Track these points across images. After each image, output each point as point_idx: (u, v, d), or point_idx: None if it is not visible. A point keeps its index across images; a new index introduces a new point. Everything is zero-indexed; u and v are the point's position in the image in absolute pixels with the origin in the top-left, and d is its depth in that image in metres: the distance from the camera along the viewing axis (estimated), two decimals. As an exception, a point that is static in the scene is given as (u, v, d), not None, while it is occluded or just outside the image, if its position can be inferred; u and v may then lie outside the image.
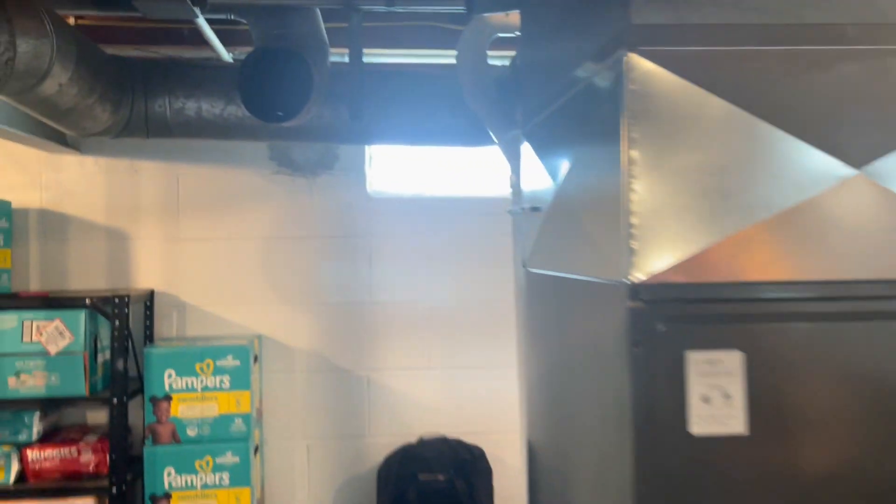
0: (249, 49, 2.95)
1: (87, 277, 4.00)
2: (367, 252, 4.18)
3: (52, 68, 2.14)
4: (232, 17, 2.84)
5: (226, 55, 3.20)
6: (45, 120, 2.55)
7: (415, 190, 4.29)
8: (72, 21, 3.24)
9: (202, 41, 3.24)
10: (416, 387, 4.18)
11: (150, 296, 4.00)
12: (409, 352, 4.18)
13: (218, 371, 3.61)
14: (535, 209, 1.99)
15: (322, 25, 2.76)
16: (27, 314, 3.49)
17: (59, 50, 2.17)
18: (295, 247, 4.11)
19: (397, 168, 4.33)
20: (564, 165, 1.75)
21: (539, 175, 1.99)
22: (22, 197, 3.98)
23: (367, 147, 4.23)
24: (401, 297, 4.18)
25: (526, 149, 2.16)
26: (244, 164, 4.12)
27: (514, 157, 2.41)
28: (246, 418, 3.63)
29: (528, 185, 2.16)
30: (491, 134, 2.59)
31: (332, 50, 2.92)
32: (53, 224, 4.00)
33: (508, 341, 3.42)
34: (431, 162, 4.32)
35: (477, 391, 4.17)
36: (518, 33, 2.81)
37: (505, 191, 4.23)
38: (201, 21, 2.86)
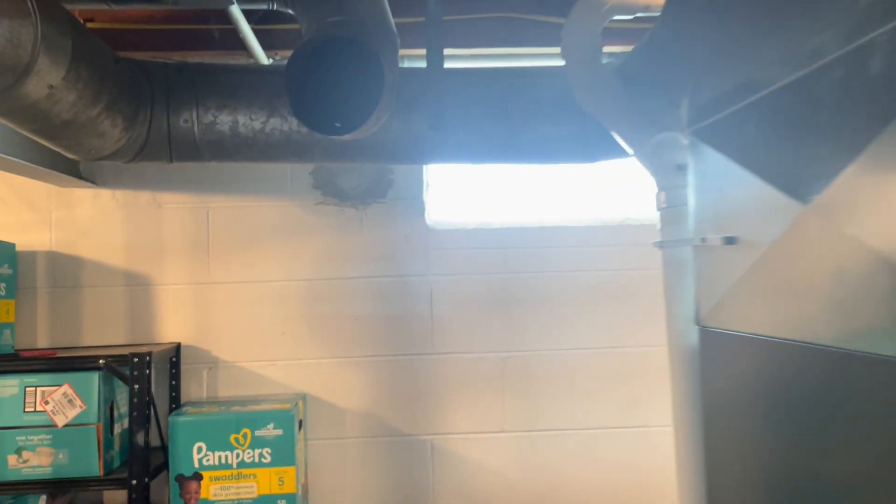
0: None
1: (103, 331, 3.38)
2: (427, 293, 3.52)
3: (35, 61, 1.53)
4: (274, 5, 2.23)
5: (264, 58, 2.59)
6: (37, 138, 1.94)
7: (483, 219, 3.64)
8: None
9: (236, 45, 2.64)
10: (489, 455, 3.48)
11: (177, 351, 3.37)
12: (481, 413, 3.50)
13: (257, 443, 2.95)
14: (728, 240, 1.33)
15: (388, 10, 2.14)
16: (30, 378, 2.86)
17: (47, 40, 1.56)
18: (343, 289, 3.47)
19: (461, 194, 3.68)
20: (814, 174, 1.09)
21: (738, 190, 1.33)
22: (28, 238, 3.38)
23: (424, 171, 3.60)
24: (468, 347, 3.50)
25: (704, 155, 1.50)
26: (283, 194, 3.51)
27: (665, 170, 1.76)
28: (291, 499, 2.96)
29: (705, 206, 1.50)
30: (621, 141, 1.94)
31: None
32: (65, 269, 3.39)
33: (599, 401, 2.71)
34: (502, 186, 3.67)
35: (565, 459, 3.46)
36: (641, 14, 2.18)
37: (596, 217, 3.60)
38: (235, 10, 2.26)
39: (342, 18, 2.05)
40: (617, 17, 2.21)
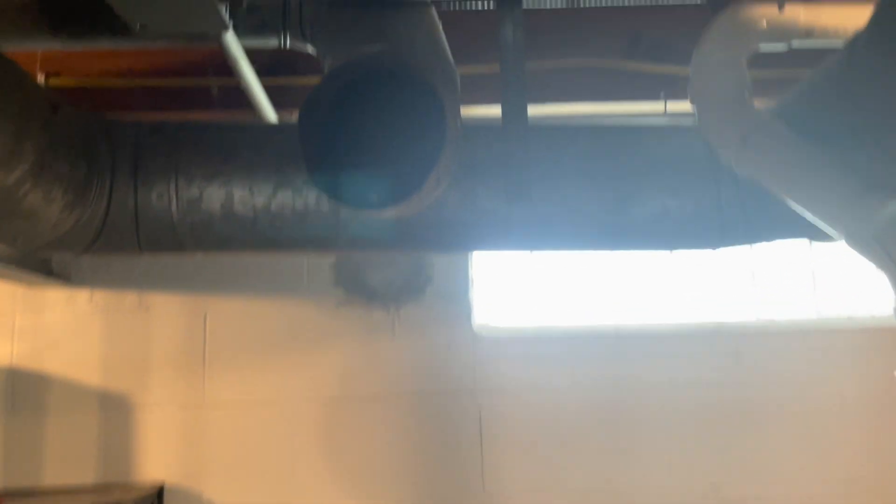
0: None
1: (69, 468, 2.63)
2: (476, 416, 2.77)
3: None
4: (286, 41, 1.60)
5: (271, 114, 1.95)
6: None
7: (543, 321, 2.92)
8: (41, 79, 2.04)
9: (239, 102, 2.01)
10: None
11: (159, 495, 2.60)
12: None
13: None
14: None
15: (444, 40, 1.50)
16: (-44, 543, 2.11)
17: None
18: (370, 410, 2.72)
19: (514, 289, 2.98)
20: None
21: None
22: (-19, 350, 2.70)
23: (469, 262, 2.91)
24: (529, 487, 2.71)
25: None
26: (298, 293, 2.82)
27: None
28: None
29: None
30: (814, 216, 1.24)
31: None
32: (26, 388, 2.69)
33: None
34: (563, 278, 2.97)
35: None
36: (796, 44, 1.53)
37: (684, 318, 2.85)
38: (237, 54, 1.63)
39: (384, 46, 1.40)
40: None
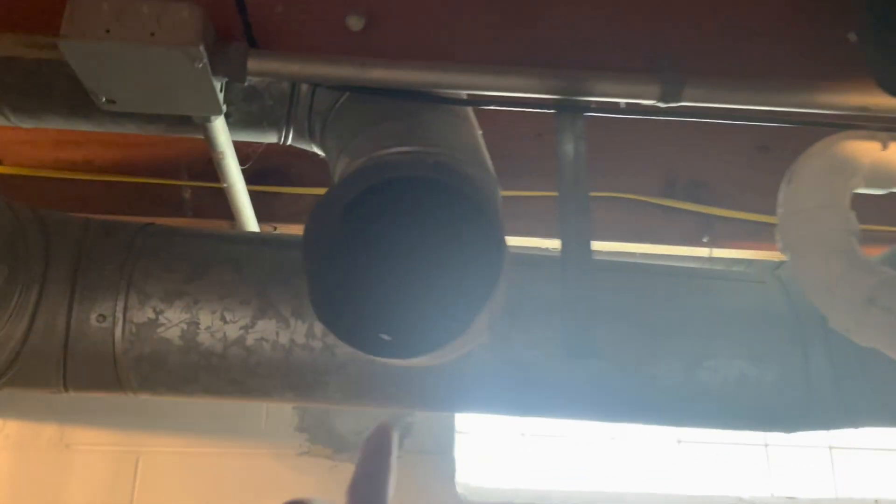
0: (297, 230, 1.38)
1: None
2: None
3: None
4: (288, 137, 1.30)
5: (255, 228, 1.61)
6: None
7: (537, 485, 2.51)
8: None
9: (216, 210, 1.68)
10: None
11: None
12: None
13: None
14: None
15: (484, 146, 1.21)
16: None
17: None
18: (327, 588, 2.20)
19: (505, 446, 2.58)
20: None
21: None
22: None
23: (454, 415, 2.52)
24: None
25: None
26: (253, 437, 2.37)
27: None
28: None
29: None
30: None
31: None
32: None
33: None
34: (559, 438, 2.59)
35: None
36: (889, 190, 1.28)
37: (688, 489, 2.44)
38: (218, 132, 1.31)
39: (415, 150, 1.09)
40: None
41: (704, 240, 1.79)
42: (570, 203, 1.15)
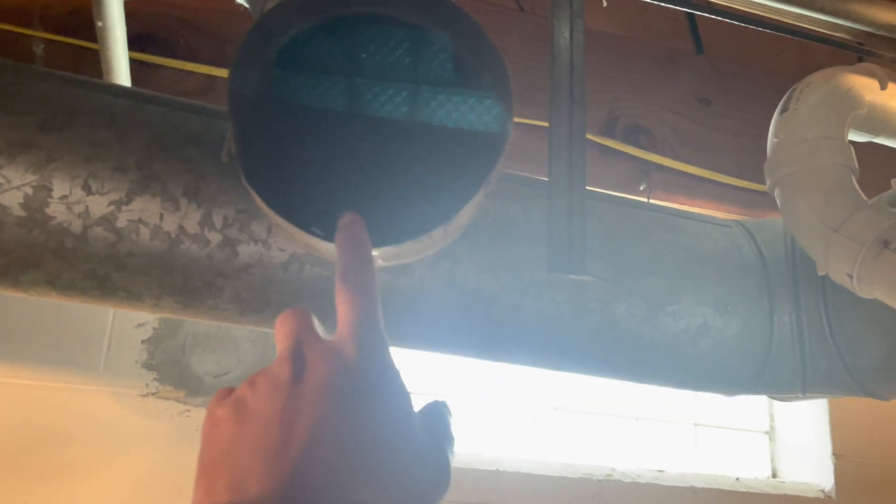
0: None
1: None
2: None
3: None
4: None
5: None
6: None
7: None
8: None
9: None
10: None
11: None
12: None
13: None
14: None
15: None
16: None
17: None
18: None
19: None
20: None
21: None
22: None
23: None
24: None
25: None
26: (90, 372, 1.97)
27: None
28: None
29: None
30: None
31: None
32: None
33: None
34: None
35: None
36: (885, 140, 1.17)
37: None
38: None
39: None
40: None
41: (641, 188, 1.65)
42: (564, 96, 0.93)
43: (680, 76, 1.72)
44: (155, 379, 2.04)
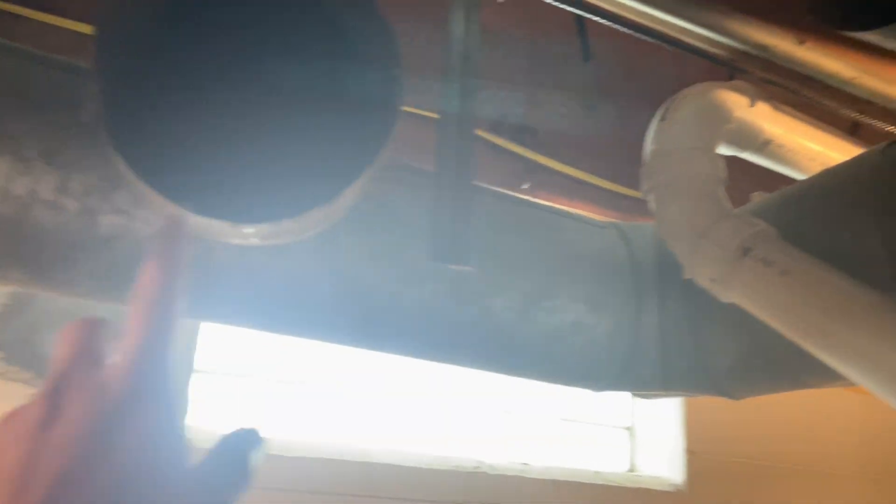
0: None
1: None
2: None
3: None
4: None
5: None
6: None
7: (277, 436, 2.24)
8: None
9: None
10: None
11: None
12: None
13: None
14: None
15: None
16: None
17: None
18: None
19: (248, 394, 2.28)
20: None
21: None
22: None
23: (192, 346, 2.16)
24: None
25: None
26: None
27: None
28: None
29: None
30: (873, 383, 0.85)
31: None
32: None
33: None
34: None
35: None
36: (750, 156, 1.25)
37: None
38: None
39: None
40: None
41: (524, 186, 1.67)
42: (456, 86, 0.92)
43: (567, 80, 1.77)
44: (2, 359, 1.88)
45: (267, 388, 2.30)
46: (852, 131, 1.47)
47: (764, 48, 1.08)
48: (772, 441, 2.84)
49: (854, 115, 1.45)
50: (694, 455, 2.80)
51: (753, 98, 1.19)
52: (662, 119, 1.15)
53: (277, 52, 0.72)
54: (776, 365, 1.12)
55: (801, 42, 1.07)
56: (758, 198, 1.41)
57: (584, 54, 1.72)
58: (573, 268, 1.18)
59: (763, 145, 1.25)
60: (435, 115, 1.02)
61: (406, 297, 1.04)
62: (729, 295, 1.02)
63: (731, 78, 1.27)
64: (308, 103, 0.68)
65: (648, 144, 1.15)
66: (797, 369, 1.10)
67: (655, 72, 1.78)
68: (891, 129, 1.52)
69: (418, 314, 1.05)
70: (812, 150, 1.26)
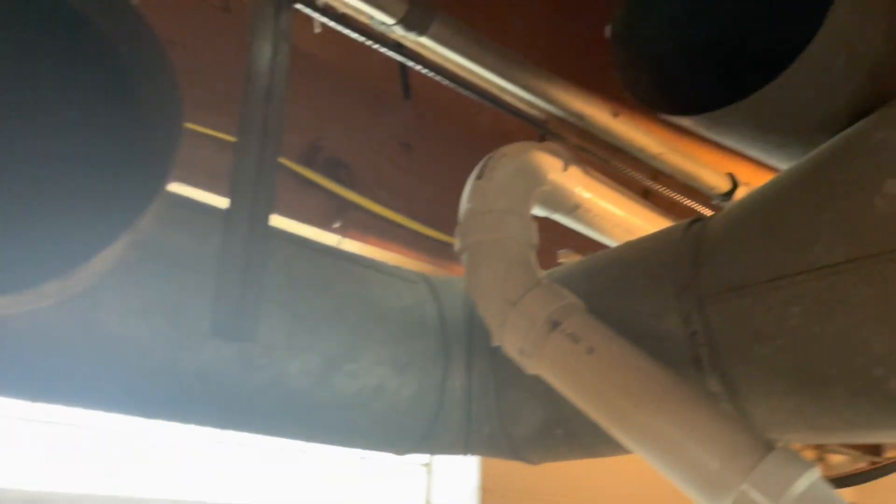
0: None
1: None
2: None
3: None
4: None
5: None
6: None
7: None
8: None
9: None
10: None
11: None
12: None
13: None
14: None
15: None
16: None
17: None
18: None
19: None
20: None
21: None
22: None
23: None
24: None
25: None
26: None
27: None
28: None
29: None
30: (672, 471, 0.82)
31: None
32: None
33: None
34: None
35: None
36: (561, 218, 1.26)
37: None
38: None
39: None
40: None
41: (336, 224, 1.56)
42: (257, 126, 0.80)
43: (386, 117, 1.69)
44: None
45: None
46: (644, 194, 1.53)
47: (580, 116, 1.08)
48: (567, 478, 2.94)
49: (648, 183, 1.51)
50: (487, 492, 2.81)
51: (567, 162, 1.19)
52: (479, 177, 1.11)
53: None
54: (574, 436, 1.10)
55: (616, 114, 1.07)
56: (564, 257, 1.41)
57: (405, 92, 1.66)
58: (378, 327, 1.09)
59: (573, 209, 1.24)
60: (233, 139, 0.89)
61: (183, 361, 0.90)
62: (535, 367, 0.98)
63: (542, 138, 1.26)
64: (54, 158, 0.53)
65: (464, 202, 1.10)
66: (594, 441, 1.09)
67: (473, 118, 1.76)
68: (677, 197, 1.61)
69: (198, 380, 0.91)
70: (616, 215, 1.28)
